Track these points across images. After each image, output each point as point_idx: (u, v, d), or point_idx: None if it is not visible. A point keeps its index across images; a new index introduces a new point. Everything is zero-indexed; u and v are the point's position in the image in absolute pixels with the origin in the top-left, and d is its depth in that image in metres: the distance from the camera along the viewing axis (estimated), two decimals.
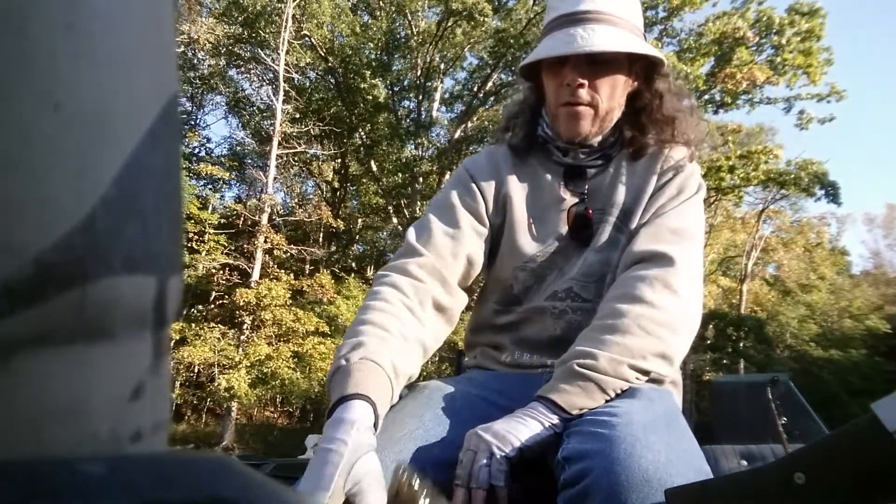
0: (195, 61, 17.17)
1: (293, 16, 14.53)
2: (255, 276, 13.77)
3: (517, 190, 1.11)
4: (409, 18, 16.21)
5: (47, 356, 0.20)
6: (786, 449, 2.66)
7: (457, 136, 16.45)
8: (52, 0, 0.20)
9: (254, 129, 18.46)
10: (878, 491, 0.48)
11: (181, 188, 0.25)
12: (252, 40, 15.31)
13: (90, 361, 0.21)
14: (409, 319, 0.92)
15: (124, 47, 0.22)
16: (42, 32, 0.19)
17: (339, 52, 15.96)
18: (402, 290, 0.94)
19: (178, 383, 13.51)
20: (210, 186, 17.44)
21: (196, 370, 13.24)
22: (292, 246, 15.45)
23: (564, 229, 1.07)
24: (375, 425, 0.76)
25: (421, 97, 16.97)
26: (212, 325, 13.08)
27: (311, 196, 20.96)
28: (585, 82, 1.03)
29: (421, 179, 16.39)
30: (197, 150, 18.41)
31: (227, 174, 17.52)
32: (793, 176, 15.46)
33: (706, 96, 14.61)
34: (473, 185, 1.11)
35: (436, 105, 17.36)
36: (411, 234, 1.05)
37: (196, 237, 13.65)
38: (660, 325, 0.89)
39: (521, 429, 0.81)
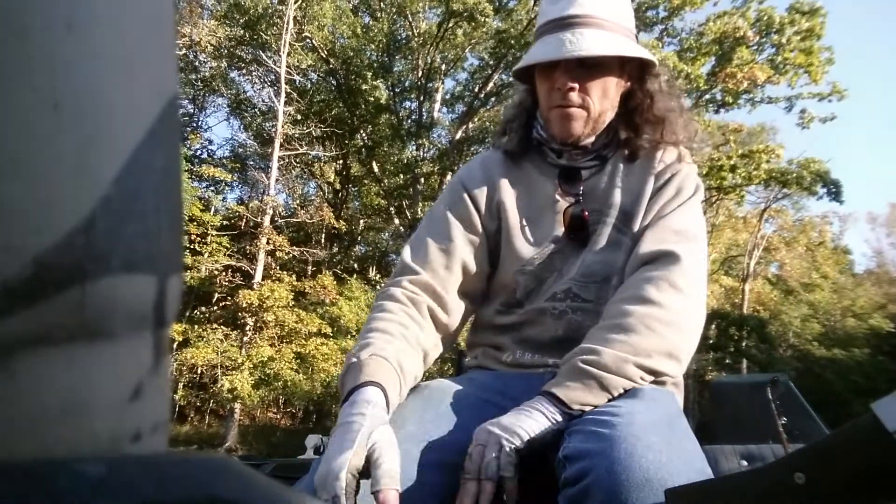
0: (197, 64, 17.23)
1: (294, 18, 14.56)
2: (258, 277, 13.80)
3: (511, 194, 1.12)
4: (410, 20, 16.22)
5: (47, 356, 0.19)
6: (786, 449, 2.66)
7: (458, 136, 16.47)
8: (52, 0, 0.20)
9: (255, 130, 18.51)
10: (879, 491, 0.48)
11: (181, 188, 0.25)
12: (253, 42, 15.35)
13: (90, 361, 0.21)
14: (411, 325, 0.97)
15: (124, 48, 0.22)
16: (42, 32, 0.19)
17: (341, 53, 16.00)
18: (401, 302, 1.00)
19: (181, 385, 13.51)
20: (212, 188, 17.53)
21: (199, 371, 13.26)
22: (294, 247, 15.47)
23: (560, 231, 1.08)
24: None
25: (422, 98, 16.98)
26: (215, 326, 13.11)
27: (313, 197, 20.95)
28: (576, 85, 1.04)
29: (422, 180, 16.41)
30: (199, 152, 18.50)
31: (230, 176, 17.57)
32: (795, 175, 15.43)
33: (707, 96, 14.61)
34: (465, 195, 1.12)
35: (437, 106, 17.39)
36: (406, 252, 1.08)
37: (199, 239, 13.69)
38: (666, 325, 0.90)
39: (528, 422, 0.82)
